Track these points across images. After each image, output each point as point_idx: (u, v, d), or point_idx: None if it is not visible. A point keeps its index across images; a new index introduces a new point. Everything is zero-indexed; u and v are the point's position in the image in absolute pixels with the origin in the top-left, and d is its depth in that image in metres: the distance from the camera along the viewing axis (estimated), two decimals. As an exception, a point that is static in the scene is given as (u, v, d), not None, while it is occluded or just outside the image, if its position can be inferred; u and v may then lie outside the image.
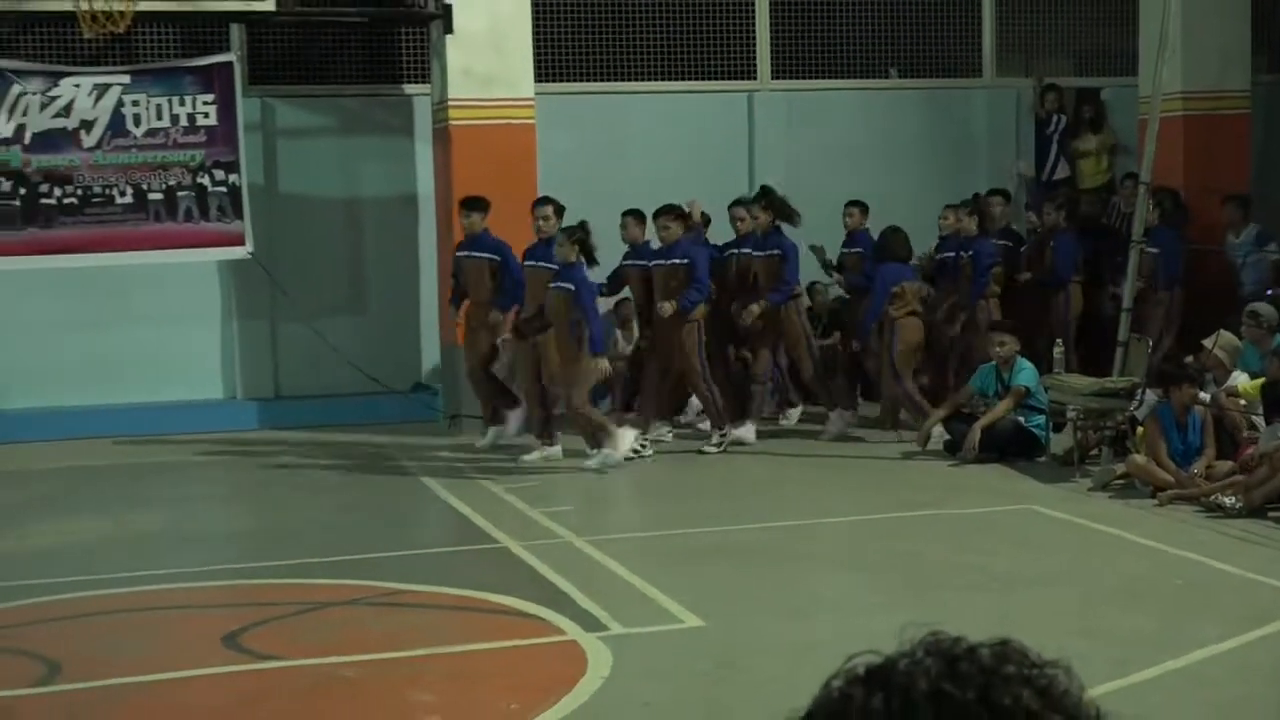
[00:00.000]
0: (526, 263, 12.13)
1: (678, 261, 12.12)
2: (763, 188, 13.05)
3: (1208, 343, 10.99)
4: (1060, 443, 11.55)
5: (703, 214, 13.20)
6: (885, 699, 1.18)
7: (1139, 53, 14.65)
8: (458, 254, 12.64)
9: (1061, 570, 8.49)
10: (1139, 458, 10.29)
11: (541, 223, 11.94)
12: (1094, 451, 11.12)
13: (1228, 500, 9.57)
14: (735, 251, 12.95)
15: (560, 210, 12.05)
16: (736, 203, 13.13)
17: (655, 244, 12.51)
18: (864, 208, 13.85)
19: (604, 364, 11.54)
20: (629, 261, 12.88)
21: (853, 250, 13.84)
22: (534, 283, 11.94)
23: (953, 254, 13.34)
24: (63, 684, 6.86)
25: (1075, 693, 1.19)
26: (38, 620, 7.93)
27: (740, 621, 7.50)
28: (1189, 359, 11.18)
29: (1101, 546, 9.06)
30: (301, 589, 8.47)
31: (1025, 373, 11.69)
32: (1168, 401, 10.31)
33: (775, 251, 12.64)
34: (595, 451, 11.49)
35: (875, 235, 13.57)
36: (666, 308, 11.98)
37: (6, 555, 9.53)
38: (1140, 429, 10.67)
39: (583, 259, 11.47)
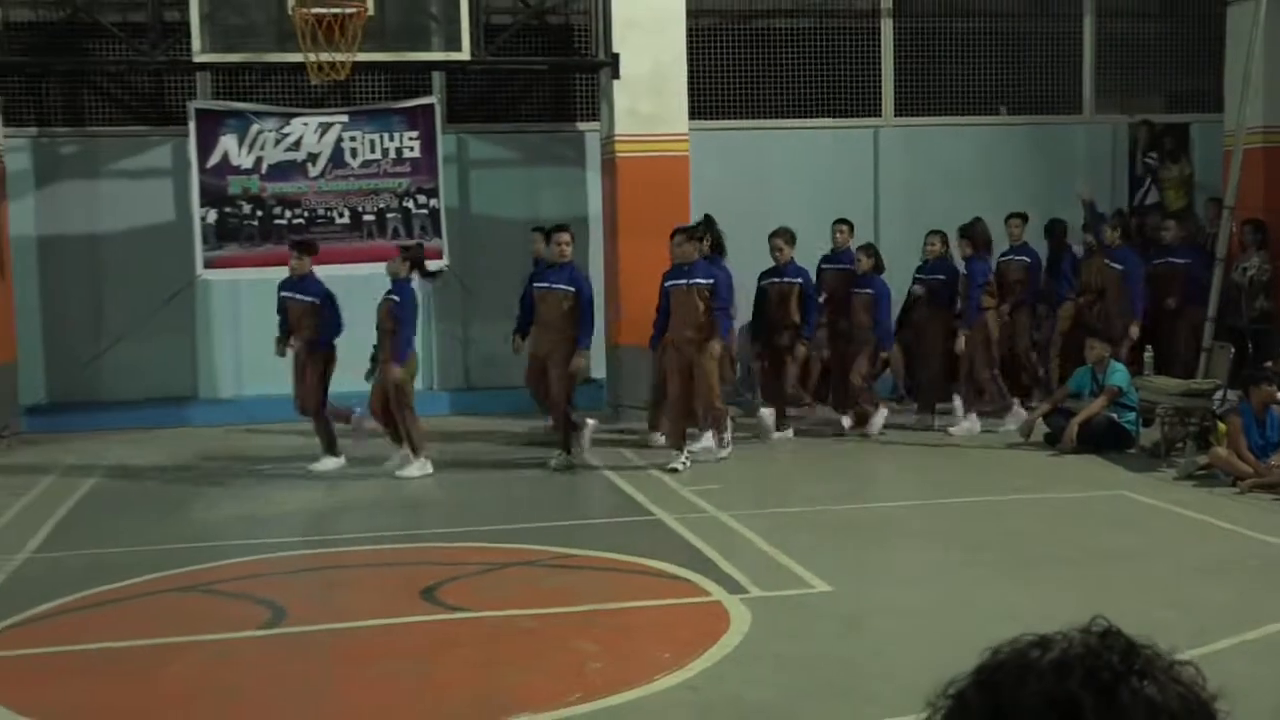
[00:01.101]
0: (537, 285, 11.40)
1: (700, 281, 11.04)
2: (705, 216, 11.95)
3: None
4: (1149, 437, 11.26)
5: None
6: (1042, 652, 1.26)
7: (1224, 91, 14.23)
8: (281, 293, 11.51)
9: (1150, 549, 8.25)
10: (1221, 450, 9.99)
11: (539, 247, 11.67)
12: (1179, 445, 10.82)
13: (1302, 491, 9.27)
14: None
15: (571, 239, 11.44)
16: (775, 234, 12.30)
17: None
18: (851, 226, 12.93)
19: (399, 372, 10.86)
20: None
21: (837, 266, 12.73)
22: (548, 302, 11.21)
23: (943, 276, 12.67)
24: (288, 627, 7.02)
25: (1199, 680, 1.28)
26: (266, 573, 8.11)
27: (865, 588, 7.42)
28: (1268, 363, 10.87)
29: (1186, 529, 8.80)
30: (487, 551, 8.55)
31: (1119, 374, 11.41)
32: (1248, 400, 10.02)
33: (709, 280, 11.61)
34: (400, 455, 11.11)
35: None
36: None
37: (243, 518, 9.79)
38: (1221, 425, 10.37)
39: (414, 275, 11.07)
